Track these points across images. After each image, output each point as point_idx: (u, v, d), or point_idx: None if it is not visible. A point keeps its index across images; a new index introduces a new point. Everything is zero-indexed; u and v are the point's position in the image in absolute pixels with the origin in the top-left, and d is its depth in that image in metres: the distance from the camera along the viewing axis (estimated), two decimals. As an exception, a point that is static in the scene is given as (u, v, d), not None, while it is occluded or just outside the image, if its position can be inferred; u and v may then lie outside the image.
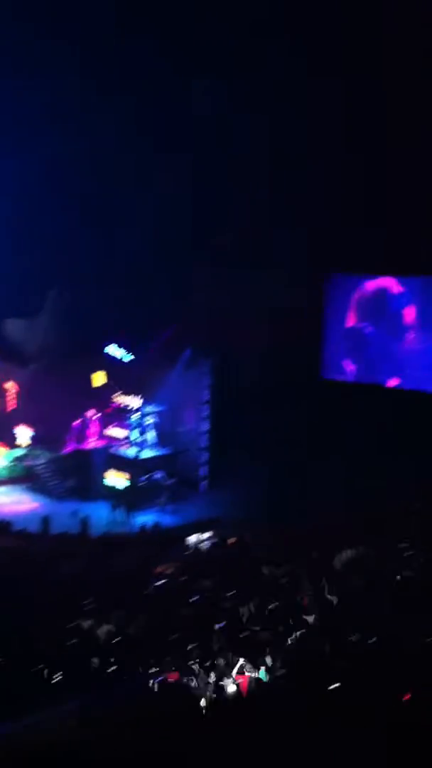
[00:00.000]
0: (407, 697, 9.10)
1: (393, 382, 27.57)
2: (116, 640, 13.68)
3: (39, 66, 26.96)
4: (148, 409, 28.15)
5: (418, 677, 10.25)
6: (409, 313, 27.37)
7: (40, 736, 10.01)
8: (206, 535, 21.99)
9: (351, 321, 29.03)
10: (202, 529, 22.34)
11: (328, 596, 15.05)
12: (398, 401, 26.48)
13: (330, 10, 24.64)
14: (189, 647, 13.04)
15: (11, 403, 31.67)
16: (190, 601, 16.11)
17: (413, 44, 23.48)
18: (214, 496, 27.15)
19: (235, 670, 11.77)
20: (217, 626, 14.14)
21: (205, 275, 28.60)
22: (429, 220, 24.65)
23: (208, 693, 11.11)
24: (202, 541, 21.67)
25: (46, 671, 12.26)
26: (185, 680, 11.68)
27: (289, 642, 12.85)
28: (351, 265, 28.18)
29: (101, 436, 28.97)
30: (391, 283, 27.84)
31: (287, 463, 25.32)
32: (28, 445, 29.99)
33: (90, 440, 28.97)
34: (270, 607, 14.96)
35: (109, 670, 12.55)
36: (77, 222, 28.97)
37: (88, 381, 29.14)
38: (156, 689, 11.52)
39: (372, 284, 28.37)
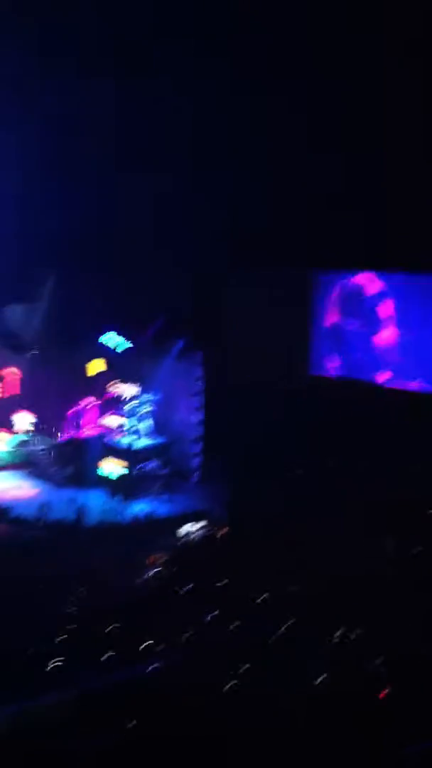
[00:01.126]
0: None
1: (381, 378, 28.34)
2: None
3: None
4: (143, 398, 28.79)
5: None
6: (386, 309, 28.15)
7: (40, 720, 10.96)
8: (198, 525, 22.83)
9: (332, 318, 29.87)
10: (194, 519, 23.17)
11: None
12: (384, 397, 27.32)
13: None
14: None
15: (10, 389, 32.32)
16: (184, 589, 17.05)
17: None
18: (207, 486, 27.77)
19: None
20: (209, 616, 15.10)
21: (202, 269, 29.28)
22: (409, 216, 25.41)
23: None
24: (194, 531, 22.52)
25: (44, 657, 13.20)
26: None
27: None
28: (334, 263, 28.93)
29: (97, 425, 29.64)
30: (369, 280, 28.62)
31: (278, 458, 26.10)
32: (29, 432, 30.70)
33: (86, 429, 29.64)
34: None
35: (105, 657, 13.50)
36: (79, 210, 29.41)
37: (84, 370, 29.77)
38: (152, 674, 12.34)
39: (351, 281, 29.17)
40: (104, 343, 28.82)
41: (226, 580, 17.23)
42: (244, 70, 27.33)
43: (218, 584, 17.13)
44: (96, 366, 29.73)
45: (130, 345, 28.61)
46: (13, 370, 32.20)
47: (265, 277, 29.04)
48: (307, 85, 26.71)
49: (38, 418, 30.76)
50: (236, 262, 29.50)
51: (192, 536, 22.29)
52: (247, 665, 12.42)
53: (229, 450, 27.67)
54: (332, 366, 29.85)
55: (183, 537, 22.31)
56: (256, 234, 28.14)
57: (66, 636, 14.34)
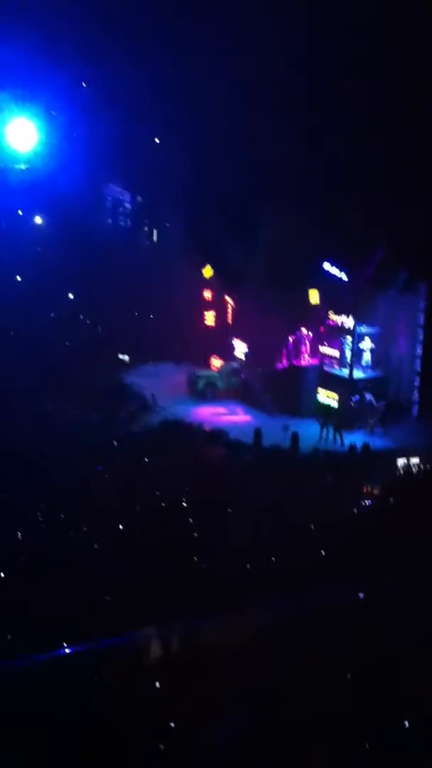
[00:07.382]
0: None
1: None
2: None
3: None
4: (363, 329, 28.18)
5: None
6: None
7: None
8: (415, 460, 22.17)
9: None
10: (410, 454, 22.51)
11: None
12: None
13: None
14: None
15: (229, 317, 32.82)
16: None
17: None
18: (426, 421, 26.89)
19: None
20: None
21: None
22: None
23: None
24: (411, 465, 21.90)
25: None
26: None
27: None
28: None
29: (315, 354, 29.42)
30: None
31: None
32: (244, 359, 31.09)
33: (303, 357, 29.54)
34: None
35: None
36: (293, 142, 28.93)
37: (304, 299, 29.47)
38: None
39: None
40: (326, 271, 28.21)
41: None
42: None
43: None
44: (314, 296, 29.38)
45: (351, 275, 27.88)
46: (230, 299, 32.63)
47: None
48: None
49: (255, 346, 31.01)
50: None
51: (409, 470, 21.70)
52: None
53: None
54: None
55: (400, 470, 21.77)
56: None
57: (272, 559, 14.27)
